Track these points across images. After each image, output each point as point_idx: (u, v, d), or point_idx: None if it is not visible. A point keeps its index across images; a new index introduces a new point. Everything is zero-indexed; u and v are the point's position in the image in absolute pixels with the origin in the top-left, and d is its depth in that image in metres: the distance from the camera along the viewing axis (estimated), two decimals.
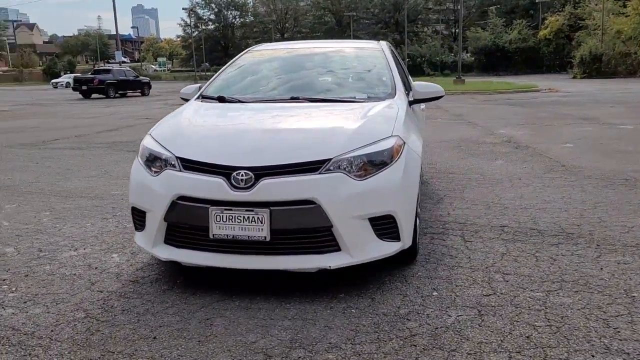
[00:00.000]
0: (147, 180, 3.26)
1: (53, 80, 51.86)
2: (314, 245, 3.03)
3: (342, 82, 4.30)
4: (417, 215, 3.73)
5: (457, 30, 63.03)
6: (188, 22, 71.84)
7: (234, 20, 77.37)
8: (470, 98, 21.93)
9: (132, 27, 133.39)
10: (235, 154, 3.12)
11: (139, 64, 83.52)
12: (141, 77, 33.63)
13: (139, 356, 2.52)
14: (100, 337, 2.71)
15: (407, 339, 2.65)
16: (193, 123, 3.70)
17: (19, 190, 6.20)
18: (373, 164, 3.14)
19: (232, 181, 2.98)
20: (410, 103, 4.13)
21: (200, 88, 4.47)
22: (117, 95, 30.04)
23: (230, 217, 2.96)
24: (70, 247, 4.09)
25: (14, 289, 3.34)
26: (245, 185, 2.96)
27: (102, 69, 32.58)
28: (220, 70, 4.68)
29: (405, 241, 3.25)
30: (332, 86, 4.24)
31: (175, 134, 3.50)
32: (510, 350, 2.54)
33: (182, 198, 3.07)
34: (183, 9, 61.73)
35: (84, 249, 4.06)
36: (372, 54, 4.55)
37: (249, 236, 2.96)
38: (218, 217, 2.98)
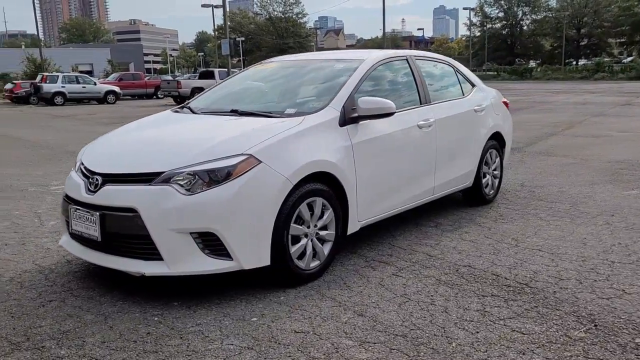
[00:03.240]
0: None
1: None
2: (141, 251, 3.19)
3: (290, 95, 4.19)
4: (305, 236, 3.50)
5: None
6: (473, 21, 71.14)
7: (523, 16, 73.57)
8: None
9: (419, 29, 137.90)
10: (100, 160, 3.49)
11: None
12: None
13: None
14: None
15: (147, 354, 2.66)
16: (120, 131, 4.14)
17: None
18: (212, 180, 3.13)
19: (88, 184, 3.35)
20: (352, 120, 3.78)
21: None
22: None
23: (80, 216, 3.34)
24: None
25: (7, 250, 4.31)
26: (94, 189, 3.30)
27: None
28: (222, 80, 4.95)
29: (242, 261, 3.15)
30: (277, 100, 4.20)
31: (99, 141, 4.00)
32: None
33: (66, 195, 3.57)
34: (464, 8, 60.83)
35: None
36: (346, 66, 4.23)
37: (89, 234, 3.30)
38: (73, 214, 3.39)
